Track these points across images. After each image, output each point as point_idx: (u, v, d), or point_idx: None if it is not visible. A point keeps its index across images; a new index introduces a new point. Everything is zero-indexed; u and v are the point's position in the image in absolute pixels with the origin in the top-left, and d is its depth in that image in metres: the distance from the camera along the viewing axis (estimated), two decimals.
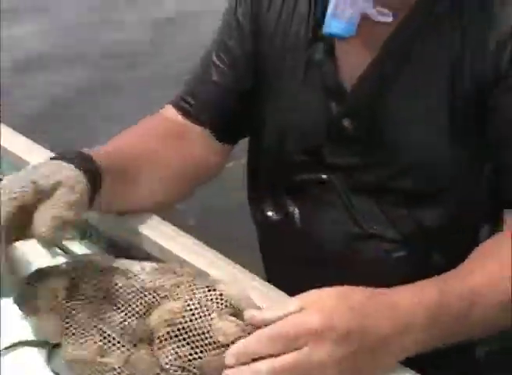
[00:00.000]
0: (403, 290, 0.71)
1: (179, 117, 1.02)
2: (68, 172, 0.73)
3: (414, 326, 0.67)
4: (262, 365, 0.63)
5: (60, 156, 0.77)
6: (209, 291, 0.69)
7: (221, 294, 0.68)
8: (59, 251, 0.89)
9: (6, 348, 0.76)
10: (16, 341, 0.76)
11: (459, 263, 0.77)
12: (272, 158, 1.01)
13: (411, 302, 0.68)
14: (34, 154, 1.07)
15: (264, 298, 0.76)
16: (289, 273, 0.99)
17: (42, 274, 0.76)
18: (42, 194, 0.69)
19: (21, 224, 0.69)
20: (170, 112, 1.03)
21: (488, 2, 0.83)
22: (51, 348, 0.75)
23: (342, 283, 0.68)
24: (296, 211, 1.00)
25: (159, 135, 0.98)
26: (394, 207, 0.91)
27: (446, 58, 0.85)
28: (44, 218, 0.68)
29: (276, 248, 1.06)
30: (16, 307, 0.77)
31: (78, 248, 0.93)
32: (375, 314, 0.66)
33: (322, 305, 0.64)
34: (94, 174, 0.77)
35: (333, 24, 0.80)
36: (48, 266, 0.78)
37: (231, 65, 1.00)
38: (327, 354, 0.62)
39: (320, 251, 0.96)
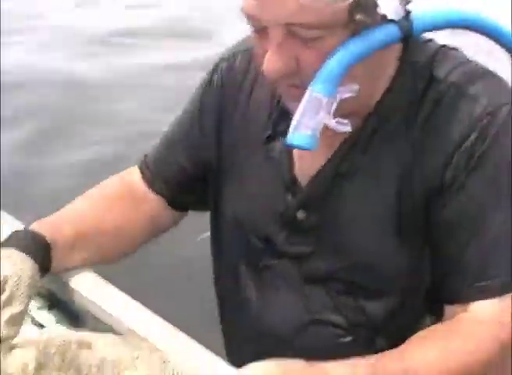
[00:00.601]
0: (337, 364, 0.78)
1: (140, 179, 1.12)
2: (17, 265, 0.88)
3: None
4: None
5: (12, 243, 0.91)
6: (164, 363, 0.77)
7: (173, 369, 0.76)
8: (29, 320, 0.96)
9: None
10: None
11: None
12: (230, 240, 1.06)
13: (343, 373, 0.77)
14: None
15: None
16: (245, 349, 1.04)
17: (11, 346, 0.83)
18: None
19: None
20: (134, 173, 1.13)
21: (438, 118, 0.87)
22: None
23: None
24: (253, 291, 1.03)
25: (113, 198, 1.09)
26: (341, 295, 0.95)
27: (396, 168, 0.88)
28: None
29: (234, 324, 1.10)
30: None
31: (47, 317, 1.00)
32: None
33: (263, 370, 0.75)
34: (43, 253, 0.93)
35: (296, 137, 0.80)
36: (17, 339, 0.85)
37: (191, 151, 1.07)
38: None
39: (272, 333, 1.00)
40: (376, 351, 0.84)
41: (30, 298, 0.89)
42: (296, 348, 0.96)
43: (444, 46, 0.92)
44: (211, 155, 1.05)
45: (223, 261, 1.10)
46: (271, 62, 0.80)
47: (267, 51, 0.80)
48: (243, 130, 1.01)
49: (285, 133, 0.87)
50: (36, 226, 0.98)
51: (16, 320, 0.85)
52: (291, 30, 0.77)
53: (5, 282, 0.86)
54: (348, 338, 0.96)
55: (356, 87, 0.81)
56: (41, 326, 0.98)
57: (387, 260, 0.91)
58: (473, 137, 0.84)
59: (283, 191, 0.96)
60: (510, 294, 0.86)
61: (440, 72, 0.88)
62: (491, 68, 0.93)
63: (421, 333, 0.87)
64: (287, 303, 0.98)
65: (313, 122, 0.79)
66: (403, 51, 0.89)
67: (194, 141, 1.07)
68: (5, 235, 0.95)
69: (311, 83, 0.78)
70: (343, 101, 0.81)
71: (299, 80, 0.81)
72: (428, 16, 0.85)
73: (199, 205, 1.14)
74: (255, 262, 1.02)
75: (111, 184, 1.13)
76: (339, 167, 0.91)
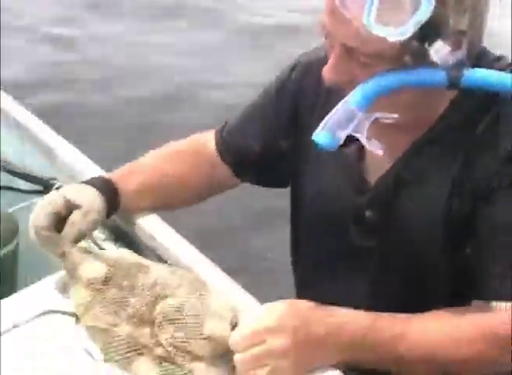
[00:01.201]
0: (356, 315, 0.90)
1: (213, 144, 1.23)
2: (90, 196, 1.07)
3: (342, 333, 0.88)
4: (236, 357, 0.86)
5: (88, 182, 1.11)
6: (201, 295, 0.93)
7: (208, 303, 0.93)
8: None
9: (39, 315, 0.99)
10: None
11: None
12: (309, 232, 1.16)
13: (346, 317, 0.89)
14: None
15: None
16: None
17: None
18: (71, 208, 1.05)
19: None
20: (211, 136, 1.24)
21: (494, 130, 0.94)
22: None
23: None
24: (327, 282, 1.13)
25: (182, 153, 1.22)
26: (395, 286, 1.05)
27: (450, 173, 0.96)
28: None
29: None
30: None
31: (111, 247, 1.16)
32: (316, 318, 0.87)
33: (278, 311, 0.87)
34: (111, 195, 1.11)
35: (321, 134, 0.86)
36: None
37: (262, 132, 1.17)
38: (281, 343, 0.85)
39: None
40: None
41: (96, 225, 1.07)
42: None
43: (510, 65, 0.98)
44: (283, 138, 1.14)
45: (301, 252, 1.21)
46: (328, 71, 0.91)
47: (330, 58, 0.91)
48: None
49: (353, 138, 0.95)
50: (110, 175, 1.16)
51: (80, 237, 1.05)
52: (349, 50, 0.87)
53: (78, 207, 1.04)
54: None
55: (395, 115, 0.89)
56: None
57: (433, 253, 1.00)
58: None
59: (352, 190, 1.06)
60: None
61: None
62: None
63: (437, 310, 0.95)
64: (352, 289, 1.07)
65: (341, 131, 0.86)
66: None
67: (267, 122, 1.17)
68: None
69: (349, 95, 0.87)
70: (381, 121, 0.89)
71: (350, 89, 0.89)
72: (482, 73, 0.88)
73: (261, 181, 1.26)
74: (330, 251, 1.12)
75: (186, 142, 1.25)
76: (401, 172, 1.01)
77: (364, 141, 0.88)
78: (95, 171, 1.32)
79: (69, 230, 1.03)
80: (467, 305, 0.97)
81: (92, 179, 1.14)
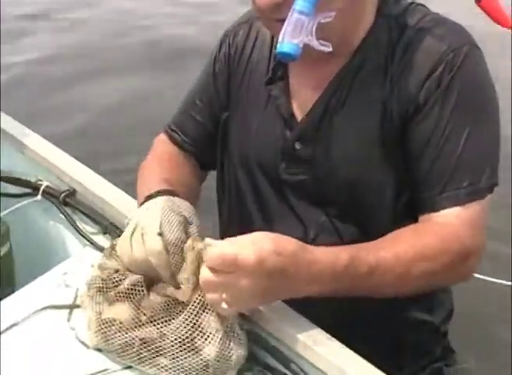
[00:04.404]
0: (324, 250, 0.90)
1: (171, 144, 1.27)
2: (182, 203, 0.98)
3: (321, 281, 0.88)
4: (204, 274, 0.85)
5: (165, 192, 1.01)
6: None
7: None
8: None
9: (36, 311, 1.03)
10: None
11: None
12: (236, 176, 1.20)
13: (326, 263, 0.89)
14: None
15: None
16: None
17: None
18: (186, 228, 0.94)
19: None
20: (164, 139, 1.28)
21: (411, 55, 1.02)
22: (72, 309, 1.02)
23: None
24: (259, 219, 1.17)
25: (167, 162, 1.22)
26: (336, 218, 1.09)
27: (379, 96, 1.03)
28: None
29: None
30: None
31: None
32: (295, 265, 0.86)
33: (260, 249, 0.83)
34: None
35: (284, 46, 0.91)
36: None
37: (208, 105, 1.23)
38: (248, 283, 0.83)
39: None
40: None
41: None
42: None
43: (413, 2, 1.09)
44: (223, 108, 1.21)
45: (230, 194, 1.24)
46: None
47: None
48: (246, 80, 1.17)
49: (282, 77, 1.10)
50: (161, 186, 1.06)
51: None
52: None
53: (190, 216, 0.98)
54: None
55: (332, 13, 0.95)
56: None
57: (373, 173, 1.05)
58: (441, 68, 1.00)
59: (282, 126, 1.11)
60: (476, 202, 1.00)
61: (411, 21, 1.05)
62: None
63: (395, 231, 0.99)
64: (289, 227, 1.08)
65: (296, 39, 0.91)
66: (379, 3, 1.06)
67: (210, 99, 1.23)
68: None
69: (293, 4, 0.91)
70: (325, 28, 0.93)
71: (286, 13, 0.92)
72: None
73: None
74: (259, 191, 1.17)
75: (154, 158, 1.24)
76: (329, 101, 1.07)
77: (315, 43, 0.93)
78: (81, 169, 1.37)
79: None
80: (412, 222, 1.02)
81: (160, 192, 1.02)
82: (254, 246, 0.84)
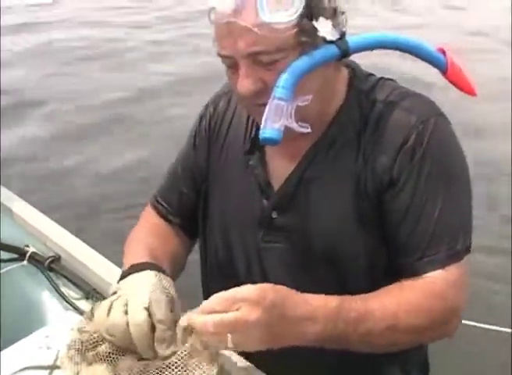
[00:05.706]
0: (315, 295, 0.95)
1: (157, 217, 1.30)
2: (167, 280, 1.03)
3: (316, 319, 0.93)
4: (210, 317, 0.88)
5: (150, 265, 1.06)
6: None
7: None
8: None
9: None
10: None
11: None
12: (219, 242, 1.23)
13: (318, 301, 0.94)
14: None
15: None
16: None
17: None
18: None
19: None
20: (150, 211, 1.31)
21: (382, 128, 1.06)
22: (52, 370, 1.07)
23: None
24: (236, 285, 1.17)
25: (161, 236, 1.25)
26: (314, 283, 1.05)
27: (352, 171, 1.07)
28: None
29: None
30: None
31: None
32: (294, 302, 0.92)
33: (260, 286, 0.90)
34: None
35: (266, 131, 0.96)
36: None
37: (190, 176, 1.26)
38: (258, 316, 0.87)
39: None
40: None
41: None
42: None
43: (382, 78, 1.15)
44: (204, 179, 1.25)
45: (211, 261, 1.27)
46: (243, 85, 1.00)
47: (240, 76, 1.00)
48: (225, 151, 1.21)
49: (259, 147, 1.13)
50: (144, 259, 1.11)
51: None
52: (255, 59, 0.98)
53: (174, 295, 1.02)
54: None
55: (309, 96, 1.00)
56: None
57: (348, 244, 1.09)
58: (412, 139, 1.05)
59: (260, 195, 1.15)
60: (456, 263, 1.04)
61: (380, 96, 1.10)
62: None
63: (382, 288, 1.03)
64: None
65: (277, 124, 0.96)
66: (350, 81, 1.12)
67: (192, 171, 1.27)
68: None
69: (273, 92, 0.97)
70: (302, 110, 0.99)
71: (266, 98, 0.98)
72: (361, 38, 1.04)
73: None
74: (235, 259, 1.20)
75: (153, 225, 1.28)
76: (305, 173, 1.11)
77: (294, 125, 0.99)
78: (66, 236, 1.43)
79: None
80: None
81: (146, 265, 1.07)
82: (252, 285, 0.90)
